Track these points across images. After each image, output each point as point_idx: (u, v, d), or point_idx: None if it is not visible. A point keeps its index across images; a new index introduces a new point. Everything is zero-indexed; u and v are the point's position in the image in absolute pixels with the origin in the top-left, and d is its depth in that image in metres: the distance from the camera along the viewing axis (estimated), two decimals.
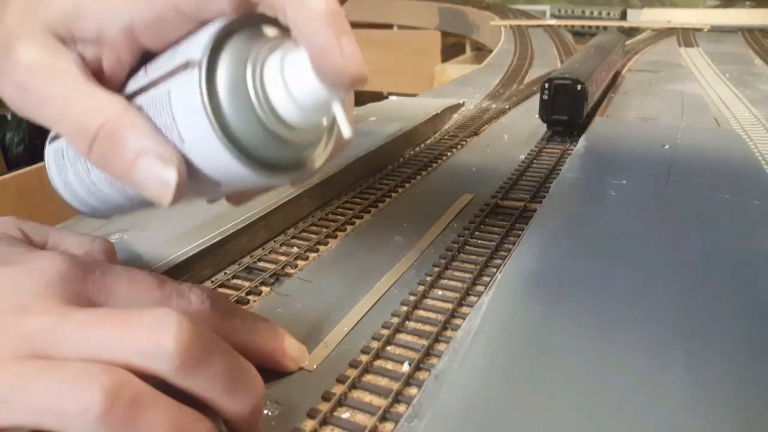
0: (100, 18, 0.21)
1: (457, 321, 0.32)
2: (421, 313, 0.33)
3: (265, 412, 0.26)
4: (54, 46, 0.22)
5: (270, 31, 0.20)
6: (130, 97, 0.22)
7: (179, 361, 0.19)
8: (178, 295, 0.24)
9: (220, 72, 0.19)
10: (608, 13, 2.48)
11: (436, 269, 0.38)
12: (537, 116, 0.68)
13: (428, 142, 0.68)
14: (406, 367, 0.28)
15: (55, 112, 0.21)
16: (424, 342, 0.30)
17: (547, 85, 0.65)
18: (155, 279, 0.24)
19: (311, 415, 0.25)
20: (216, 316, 0.23)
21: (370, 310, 0.34)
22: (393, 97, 0.89)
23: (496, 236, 0.42)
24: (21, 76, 0.22)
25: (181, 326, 0.19)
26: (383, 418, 0.25)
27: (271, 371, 0.28)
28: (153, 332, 0.19)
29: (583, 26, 2.29)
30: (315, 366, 0.29)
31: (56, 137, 0.26)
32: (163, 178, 0.19)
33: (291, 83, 0.19)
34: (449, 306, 0.33)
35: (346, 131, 0.20)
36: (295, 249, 0.41)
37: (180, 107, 0.19)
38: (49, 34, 0.22)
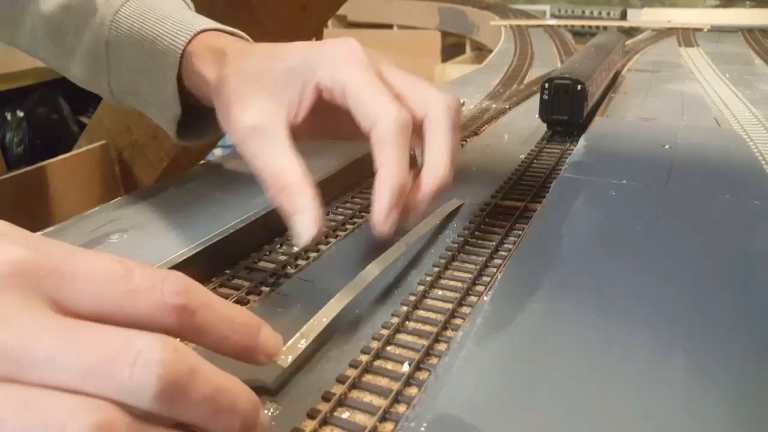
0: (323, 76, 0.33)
1: (457, 321, 0.32)
2: (421, 313, 0.33)
3: (265, 412, 0.26)
4: (270, 108, 0.33)
5: None
6: None
7: (162, 399, 0.17)
8: (148, 288, 0.20)
9: None
10: (608, 13, 2.48)
11: (436, 269, 0.38)
12: (537, 116, 0.68)
13: None
14: (406, 367, 0.28)
15: (260, 165, 0.32)
16: (424, 342, 0.30)
17: (547, 85, 0.65)
18: (122, 268, 0.20)
19: (311, 415, 0.25)
20: (190, 312, 0.20)
21: (367, 310, 0.34)
22: None
23: (496, 236, 0.42)
24: (240, 135, 0.32)
25: (164, 361, 0.17)
26: (383, 418, 0.25)
27: (270, 370, 0.28)
28: (134, 371, 0.17)
29: (583, 26, 2.29)
30: (290, 359, 0.27)
31: None
32: (307, 233, 0.31)
33: None
34: (449, 306, 0.33)
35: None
36: (295, 249, 0.41)
37: None
38: (269, 97, 0.33)
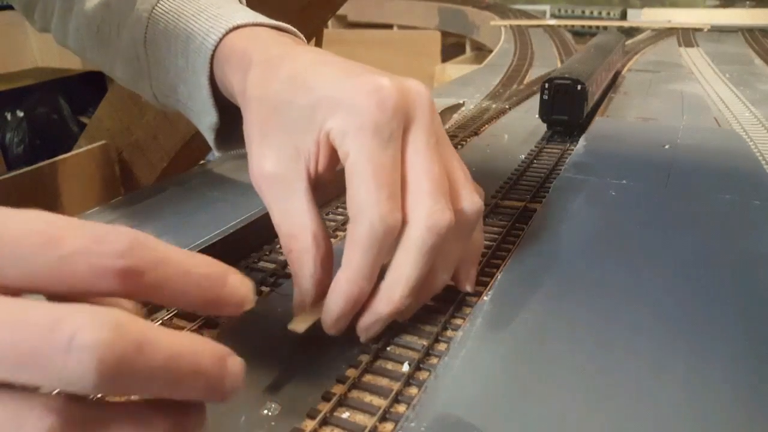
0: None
1: (457, 321, 0.32)
2: (421, 312, 0.33)
3: (265, 412, 0.26)
4: (289, 154, 0.29)
5: None
6: None
7: (106, 384, 0.15)
8: (84, 252, 0.17)
9: None
10: (608, 13, 2.48)
11: None
12: (537, 116, 0.68)
13: None
14: (406, 367, 0.28)
15: (275, 220, 0.30)
16: (424, 342, 0.30)
17: (547, 85, 0.65)
18: (53, 229, 0.17)
19: (311, 415, 0.25)
20: (137, 274, 0.17)
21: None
22: None
23: (496, 236, 0.42)
24: (259, 181, 0.30)
25: (100, 343, 0.15)
26: (383, 418, 0.25)
27: (270, 370, 0.28)
28: (68, 359, 0.15)
29: (583, 26, 2.29)
30: (305, 327, 0.28)
31: None
32: (304, 291, 0.29)
33: None
34: (449, 306, 0.33)
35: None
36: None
37: None
38: (289, 139, 0.29)
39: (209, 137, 0.39)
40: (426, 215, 0.27)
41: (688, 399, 0.25)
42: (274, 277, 0.37)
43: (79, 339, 0.15)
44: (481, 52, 2.23)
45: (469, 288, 0.33)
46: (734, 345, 0.28)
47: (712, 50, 1.43)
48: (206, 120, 0.38)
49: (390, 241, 0.27)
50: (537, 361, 0.28)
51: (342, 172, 0.28)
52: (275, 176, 0.29)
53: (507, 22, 1.99)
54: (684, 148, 0.57)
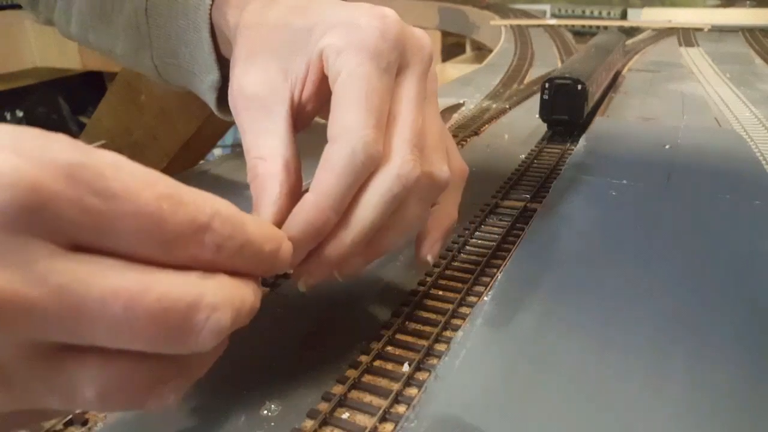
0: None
1: (457, 321, 0.32)
2: (421, 313, 0.33)
3: (265, 412, 0.26)
4: (276, 77, 0.27)
5: None
6: None
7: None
8: (187, 240, 0.17)
9: None
10: (608, 13, 2.48)
11: (437, 269, 0.37)
12: (537, 116, 0.68)
13: None
14: (406, 368, 0.28)
15: (246, 144, 0.27)
16: (424, 342, 0.30)
17: (547, 85, 0.65)
18: (165, 208, 0.17)
19: (311, 415, 0.25)
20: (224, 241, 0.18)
21: (369, 310, 0.34)
22: None
23: (496, 236, 0.42)
24: (238, 101, 0.28)
25: (228, 328, 0.17)
26: (383, 419, 0.25)
27: (270, 370, 0.28)
28: (201, 337, 0.16)
29: (583, 26, 2.29)
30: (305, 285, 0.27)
31: None
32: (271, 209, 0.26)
33: None
34: (449, 306, 0.33)
35: None
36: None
37: None
38: (277, 62, 0.27)
39: (211, 98, 0.39)
40: (400, 162, 0.25)
41: (688, 399, 0.25)
42: (274, 277, 0.37)
43: (214, 324, 0.17)
44: (481, 51, 2.23)
45: (429, 258, 0.31)
46: (734, 345, 0.28)
47: (713, 50, 1.42)
48: (208, 79, 0.38)
49: (366, 174, 0.25)
50: (537, 361, 0.28)
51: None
52: (255, 96, 0.27)
53: (507, 22, 1.99)
54: (684, 148, 0.57)
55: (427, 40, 0.28)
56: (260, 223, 0.20)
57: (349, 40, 0.25)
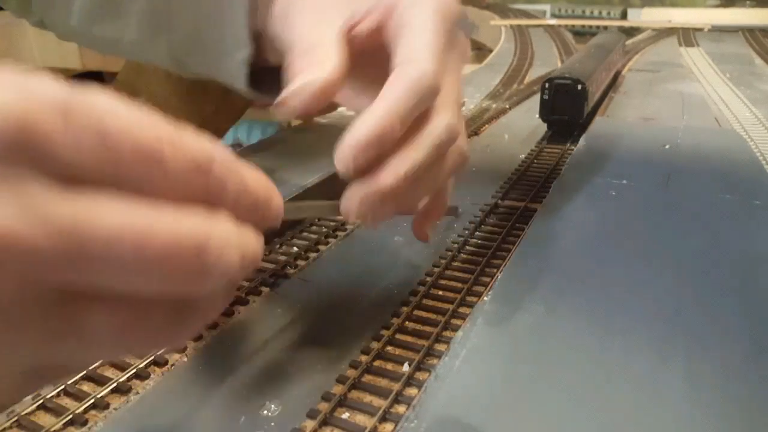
0: None
1: (457, 321, 0.32)
2: (421, 313, 0.33)
3: (265, 412, 0.26)
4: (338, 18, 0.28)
5: None
6: None
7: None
8: (184, 182, 0.17)
9: None
10: (608, 13, 2.48)
11: (436, 269, 0.38)
12: (537, 116, 0.68)
13: None
14: (406, 368, 0.28)
15: (296, 38, 0.28)
16: (424, 342, 0.30)
17: (547, 85, 0.65)
18: (163, 144, 0.16)
19: (311, 415, 0.25)
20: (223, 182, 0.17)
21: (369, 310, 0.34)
22: None
23: (496, 236, 0.42)
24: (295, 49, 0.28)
25: (234, 271, 0.16)
26: (383, 419, 0.25)
27: (270, 370, 0.28)
28: (209, 279, 0.16)
29: (583, 26, 2.29)
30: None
31: None
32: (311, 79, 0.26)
33: None
34: (449, 306, 0.33)
35: None
36: (295, 249, 0.41)
37: None
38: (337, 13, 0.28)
39: (240, 74, 0.38)
40: (450, 117, 0.27)
41: (689, 398, 0.25)
42: (274, 277, 0.37)
43: (223, 264, 0.16)
44: (481, 51, 2.23)
45: (428, 234, 0.32)
46: (735, 345, 0.28)
47: (713, 50, 1.42)
48: (239, 55, 0.37)
49: (426, 103, 0.26)
50: (537, 361, 0.28)
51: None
52: (313, 46, 0.28)
53: (507, 22, 1.99)
54: (684, 148, 0.57)
55: (467, 42, 0.31)
56: (255, 172, 0.19)
57: (417, 3, 0.27)
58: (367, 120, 0.24)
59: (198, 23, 0.39)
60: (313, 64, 0.26)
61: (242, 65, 0.38)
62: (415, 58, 0.25)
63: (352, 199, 0.25)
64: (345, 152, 0.24)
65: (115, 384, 0.28)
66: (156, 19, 0.41)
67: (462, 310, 0.33)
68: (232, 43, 0.38)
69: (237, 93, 0.39)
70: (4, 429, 0.26)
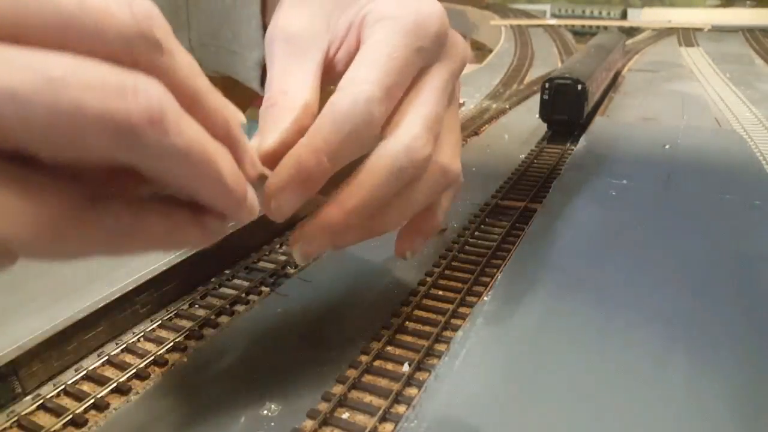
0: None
1: (457, 321, 0.32)
2: (421, 313, 0.33)
3: (265, 412, 0.26)
4: (321, 27, 0.27)
5: None
6: None
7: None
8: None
9: None
10: (609, 13, 2.48)
11: (436, 269, 0.38)
12: (537, 116, 0.68)
13: None
14: (406, 368, 0.28)
15: (273, 73, 0.26)
16: (424, 342, 0.30)
17: (547, 85, 0.65)
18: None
19: (311, 415, 0.25)
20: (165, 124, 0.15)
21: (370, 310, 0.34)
22: None
23: (496, 236, 0.42)
24: (278, 35, 0.27)
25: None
26: (383, 419, 0.25)
27: (270, 370, 0.28)
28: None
29: (583, 26, 2.29)
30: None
31: None
32: (266, 138, 0.24)
33: None
34: (449, 306, 0.33)
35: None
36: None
37: None
38: (323, 16, 0.27)
39: (254, 76, 0.37)
40: (411, 137, 0.25)
41: (688, 397, 0.25)
42: (274, 277, 0.37)
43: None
44: (481, 51, 2.23)
45: (408, 255, 0.29)
46: (735, 344, 0.28)
47: (713, 50, 1.42)
48: (252, 56, 0.37)
49: (364, 129, 0.24)
50: (537, 361, 0.28)
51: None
52: (295, 36, 0.27)
53: (507, 22, 1.99)
54: (684, 148, 0.57)
55: (466, 46, 0.28)
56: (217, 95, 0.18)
57: (393, 13, 0.25)
58: (291, 158, 0.23)
59: (214, 22, 0.39)
60: (284, 110, 0.25)
61: (256, 66, 0.37)
62: (348, 82, 0.24)
63: (299, 238, 0.25)
64: (272, 195, 0.23)
65: (115, 384, 0.28)
66: (175, 18, 0.40)
67: (462, 310, 0.33)
68: (247, 43, 0.37)
69: (239, 91, 0.39)
70: (4, 429, 0.25)
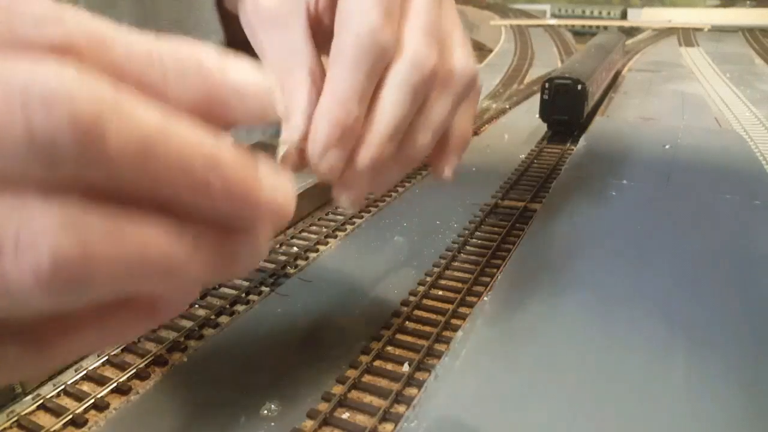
0: None
1: (457, 321, 0.32)
2: (421, 313, 0.33)
3: (265, 412, 0.26)
4: None
5: None
6: None
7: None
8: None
9: None
10: (609, 13, 2.49)
11: (436, 269, 0.38)
12: (537, 116, 0.68)
13: None
14: (406, 368, 0.28)
15: (268, 54, 0.26)
16: (424, 342, 0.30)
17: (547, 85, 0.65)
18: None
19: (311, 415, 0.25)
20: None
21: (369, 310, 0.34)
22: None
23: (496, 236, 0.42)
24: (253, 19, 0.26)
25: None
26: (383, 419, 0.25)
27: (270, 370, 0.28)
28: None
29: (583, 26, 2.29)
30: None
31: None
32: (295, 127, 0.23)
33: None
34: (449, 306, 0.33)
35: None
36: (295, 249, 0.41)
37: None
38: None
39: None
40: (413, 50, 0.24)
41: (688, 396, 0.25)
42: (274, 277, 0.37)
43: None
44: (482, 51, 2.23)
45: (447, 172, 0.28)
46: (735, 344, 0.28)
47: (713, 50, 1.42)
48: (211, 40, 0.37)
49: (380, 62, 0.23)
50: (536, 361, 0.28)
51: None
52: (270, 11, 0.26)
53: (507, 22, 1.99)
54: (684, 148, 0.57)
55: None
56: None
57: None
58: (321, 118, 0.23)
59: (179, 9, 0.40)
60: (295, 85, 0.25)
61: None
62: (345, 18, 0.23)
63: (342, 189, 0.24)
64: (318, 160, 0.23)
65: (115, 384, 0.28)
66: (143, 7, 0.41)
67: (462, 310, 0.33)
68: (206, 28, 0.38)
69: None
70: (5, 429, 0.26)
